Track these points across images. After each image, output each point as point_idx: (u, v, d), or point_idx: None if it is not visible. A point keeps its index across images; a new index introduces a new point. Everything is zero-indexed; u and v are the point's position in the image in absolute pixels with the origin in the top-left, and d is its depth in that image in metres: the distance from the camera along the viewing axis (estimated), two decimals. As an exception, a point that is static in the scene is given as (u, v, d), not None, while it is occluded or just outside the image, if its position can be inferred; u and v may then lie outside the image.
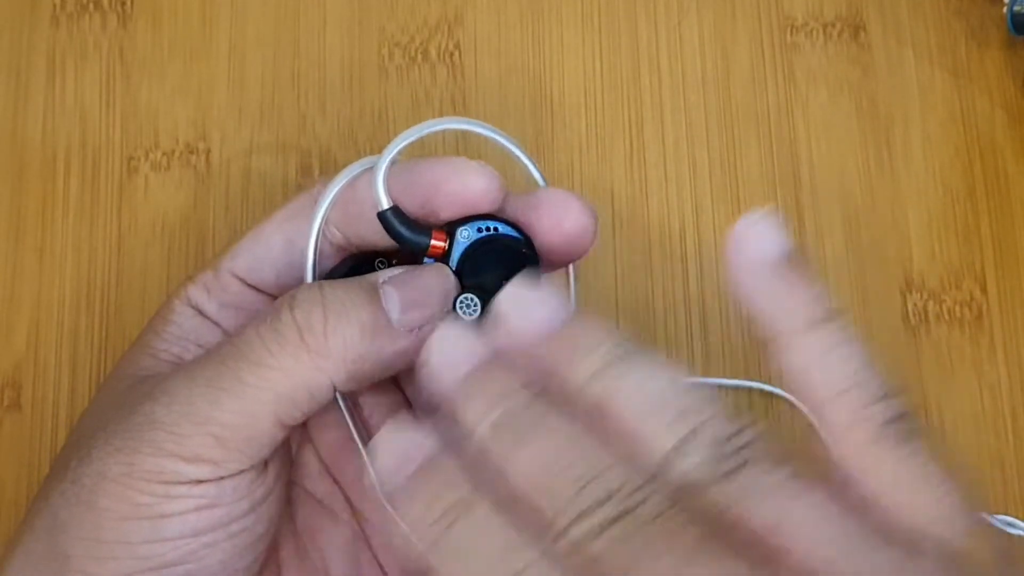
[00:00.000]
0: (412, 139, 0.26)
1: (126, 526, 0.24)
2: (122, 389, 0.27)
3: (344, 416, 0.28)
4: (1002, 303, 0.37)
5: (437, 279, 0.26)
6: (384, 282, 0.25)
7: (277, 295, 0.28)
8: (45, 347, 0.35)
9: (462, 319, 0.25)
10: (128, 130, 0.37)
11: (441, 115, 0.37)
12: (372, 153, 0.37)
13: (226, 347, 0.25)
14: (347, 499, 0.30)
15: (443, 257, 0.26)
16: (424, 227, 0.26)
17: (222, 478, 0.25)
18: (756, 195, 0.37)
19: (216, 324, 0.28)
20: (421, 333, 0.25)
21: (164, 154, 0.37)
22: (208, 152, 0.37)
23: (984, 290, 0.37)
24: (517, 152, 0.27)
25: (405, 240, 0.26)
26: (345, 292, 0.25)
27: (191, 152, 0.37)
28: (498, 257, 0.26)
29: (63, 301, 0.35)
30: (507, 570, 0.19)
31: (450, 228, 0.26)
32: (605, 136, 0.38)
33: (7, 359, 0.35)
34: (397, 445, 0.23)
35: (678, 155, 0.37)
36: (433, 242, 0.26)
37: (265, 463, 0.26)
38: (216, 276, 0.28)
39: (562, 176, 0.37)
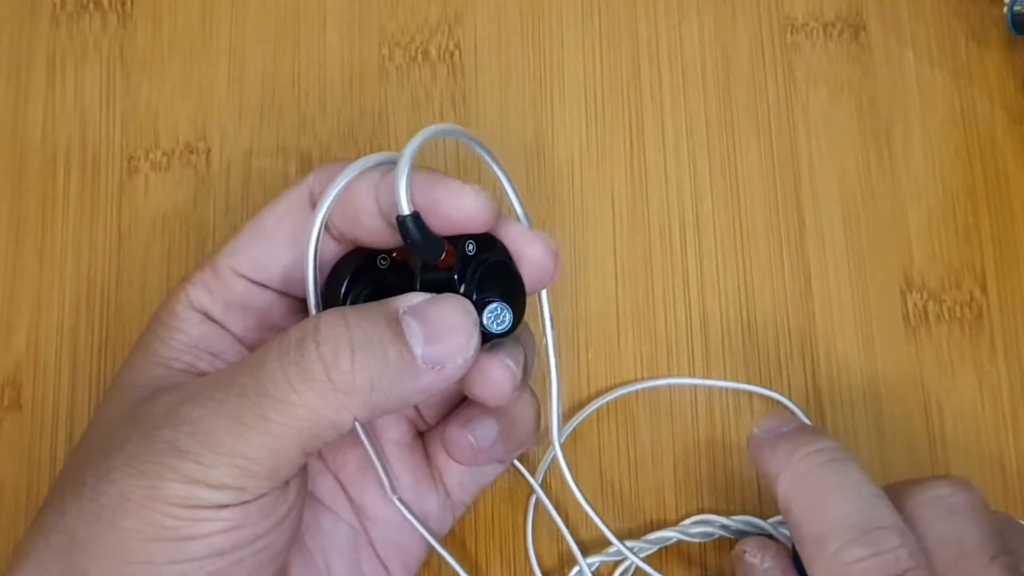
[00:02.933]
0: (427, 139, 0.26)
1: (151, 547, 0.24)
2: (135, 401, 0.27)
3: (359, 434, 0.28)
4: (1002, 303, 0.37)
5: (459, 313, 0.25)
6: (405, 313, 0.25)
7: (282, 290, 0.28)
8: (45, 347, 0.35)
9: (490, 331, 0.26)
10: (128, 130, 0.37)
11: (441, 115, 0.37)
12: (372, 153, 0.37)
13: (247, 378, 0.25)
14: (348, 496, 0.30)
15: (450, 269, 0.26)
16: (437, 237, 0.26)
17: (247, 502, 0.24)
18: (756, 195, 0.37)
19: (224, 328, 0.28)
20: (445, 370, 0.25)
21: (164, 154, 0.37)
22: (208, 152, 0.37)
23: (984, 290, 0.37)
24: (506, 185, 0.28)
25: (419, 248, 0.25)
26: (371, 326, 0.25)
27: (191, 152, 0.37)
28: (497, 273, 0.26)
29: (63, 301, 0.35)
30: None
31: (454, 242, 0.26)
32: (605, 136, 0.38)
33: (7, 359, 0.35)
34: None
35: (678, 155, 0.37)
36: (445, 253, 0.26)
37: (287, 486, 0.26)
38: (216, 274, 0.28)
39: (562, 176, 0.37)
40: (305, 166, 0.37)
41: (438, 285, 0.26)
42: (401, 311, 0.25)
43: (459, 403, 0.31)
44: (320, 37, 0.38)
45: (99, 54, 0.38)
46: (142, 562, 0.24)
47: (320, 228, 0.27)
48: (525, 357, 0.28)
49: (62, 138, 0.37)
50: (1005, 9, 0.38)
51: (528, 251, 0.27)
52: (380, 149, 0.37)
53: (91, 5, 0.38)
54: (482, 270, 0.26)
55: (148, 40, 0.38)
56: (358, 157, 0.37)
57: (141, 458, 0.24)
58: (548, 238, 0.27)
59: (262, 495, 0.25)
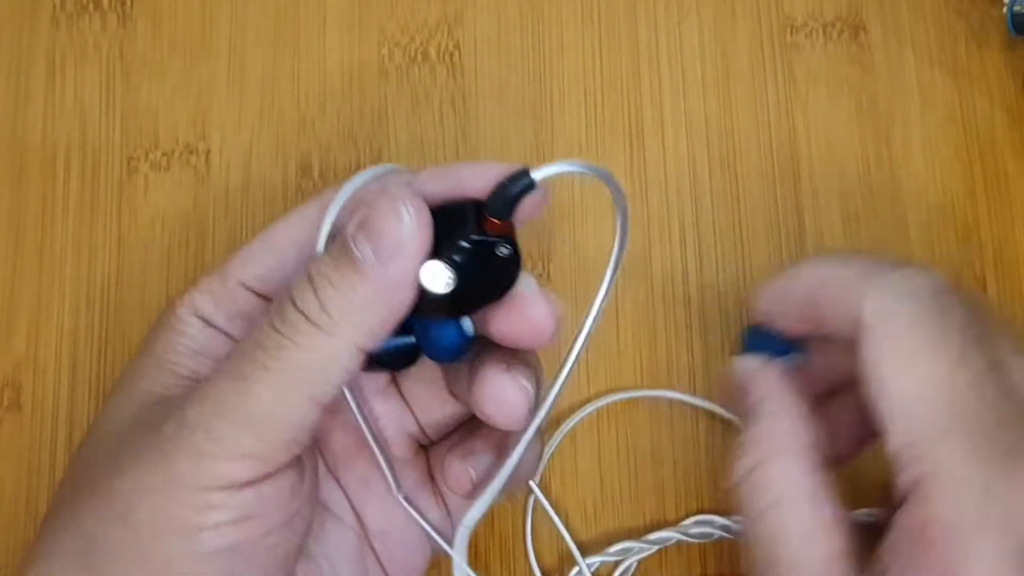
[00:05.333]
0: (558, 173, 0.25)
1: (164, 540, 0.24)
2: (143, 404, 0.27)
3: (351, 407, 0.28)
4: (1002, 303, 0.37)
5: (386, 198, 0.25)
6: (352, 234, 0.25)
7: None
8: (45, 347, 0.35)
9: (423, 286, 0.25)
10: (128, 130, 0.37)
11: (441, 116, 0.37)
12: (372, 153, 0.37)
13: (244, 344, 0.25)
14: (350, 504, 0.30)
15: (504, 236, 0.25)
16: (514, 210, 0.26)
17: (261, 481, 0.24)
18: (756, 195, 0.37)
19: (228, 335, 0.28)
20: (400, 256, 0.25)
21: (164, 154, 0.37)
22: (208, 152, 0.37)
23: (984, 290, 0.37)
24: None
25: (503, 198, 0.25)
26: (327, 261, 0.25)
27: (191, 152, 0.37)
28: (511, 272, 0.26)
29: (63, 301, 0.35)
30: None
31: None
32: (605, 136, 0.38)
33: (7, 359, 0.35)
34: None
35: (678, 155, 0.37)
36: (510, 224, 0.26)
37: (302, 476, 0.26)
38: (223, 284, 0.28)
39: (562, 176, 0.37)
40: (305, 167, 0.37)
41: (486, 246, 0.25)
42: (350, 232, 0.25)
43: (463, 421, 0.31)
44: (320, 37, 0.38)
45: (99, 54, 0.38)
46: (157, 558, 0.24)
47: (332, 219, 0.27)
48: (537, 382, 0.27)
49: (62, 138, 0.37)
50: (1005, 9, 0.38)
51: (530, 310, 0.26)
52: (380, 149, 0.37)
53: (91, 5, 0.38)
54: (512, 263, 0.26)
55: (148, 40, 0.38)
56: (359, 160, 0.37)
57: (151, 447, 0.24)
58: (555, 301, 0.27)
59: (278, 470, 0.25)
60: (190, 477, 0.24)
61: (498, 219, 0.25)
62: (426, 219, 0.25)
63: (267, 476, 0.25)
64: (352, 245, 0.25)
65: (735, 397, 0.29)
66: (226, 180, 0.37)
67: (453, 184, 0.26)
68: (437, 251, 0.25)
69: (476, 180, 0.26)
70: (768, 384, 0.28)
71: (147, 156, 0.37)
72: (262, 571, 0.25)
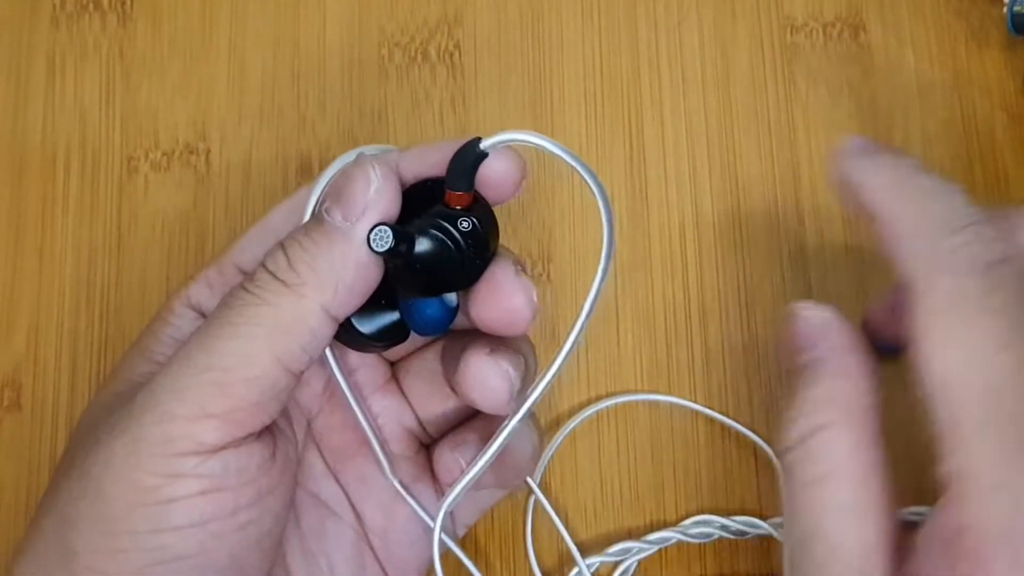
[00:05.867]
0: (510, 141, 0.26)
1: (132, 515, 0.24)
2: (121, 392, 0.27)
3: (344, 393, 0.28)
4: (1002, 303, 0.37)
5: (354, 166, 0.26)
6: (326, 205, 0.26)
7: None
8: (45, 347, 0.35)
9: (374, 250, 0.26)
10: (128, 130, 0.37)
11: (441, 116, 0.37)
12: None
13: (216, 310, 0.26)
14: (350, 501, 0.30)
15: (467, 209, 0.26)
16: (473, 180, 0.26)
17: (228, 448, 0.24)
18: (756, 195, 0.37)
19: None
20: (367, 214, 0.25)
21: (164, 154, 0.37)
22: (208, 152, 0.37)
23: (984, 290, 0.37)
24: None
25: (458, 171, 0.26)
26: (298, 229, 0.26)
27: (191, 152, 0.37)
28: (475, 254, 0.26)
29: (63, 301, 0.35)
30: None
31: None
32: (605, 136, 0.38)
33: (7, 359, 0.35)
34: None
35: (678, 155, 0.37)
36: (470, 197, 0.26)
37: (272, 453, 0.26)
38: (220, 271, 0.28)
39: (562, 176, 0.37)
40: (305, 167, 0.37)
41: (445, 218, 0.26)
42: (324, 206, 0.26)
43: (463, 420, 0.31)
44: (320, 37, 0.38)
45: (99, 54, 0.38)
46: (126, 532, 0.24)
47: (318, 198, 0.27)
48: (526, 369, 0.27)
49: (62, 138, 0.37)
50: (1005, 9, 0.38)
51: (504, 295, 0.26)
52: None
53: (91, 5, 0.38)
54: (478, 238, 0.26)
55: (148, 40, 0.38)
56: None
57: (124, 416, 0.25)
58: (531, 287, 0.27)
59: (245, 436, 0.25)
60: (157, 442, 0.24)
61: (457, 191, 0.26)
62: (393, 183, 0.26)
63: (234, 443, 0.25)
64: (324, 212, 0.26)
65: (790, 349, 0.26)
66: (226, 180, 0.37)
67: (437, 160, 0.27)
68: (404, 223, 0.26)
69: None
70: (834, 340, 0.26)
71: (147, 156, 0.37)
72: (234, 552, 0.25)
